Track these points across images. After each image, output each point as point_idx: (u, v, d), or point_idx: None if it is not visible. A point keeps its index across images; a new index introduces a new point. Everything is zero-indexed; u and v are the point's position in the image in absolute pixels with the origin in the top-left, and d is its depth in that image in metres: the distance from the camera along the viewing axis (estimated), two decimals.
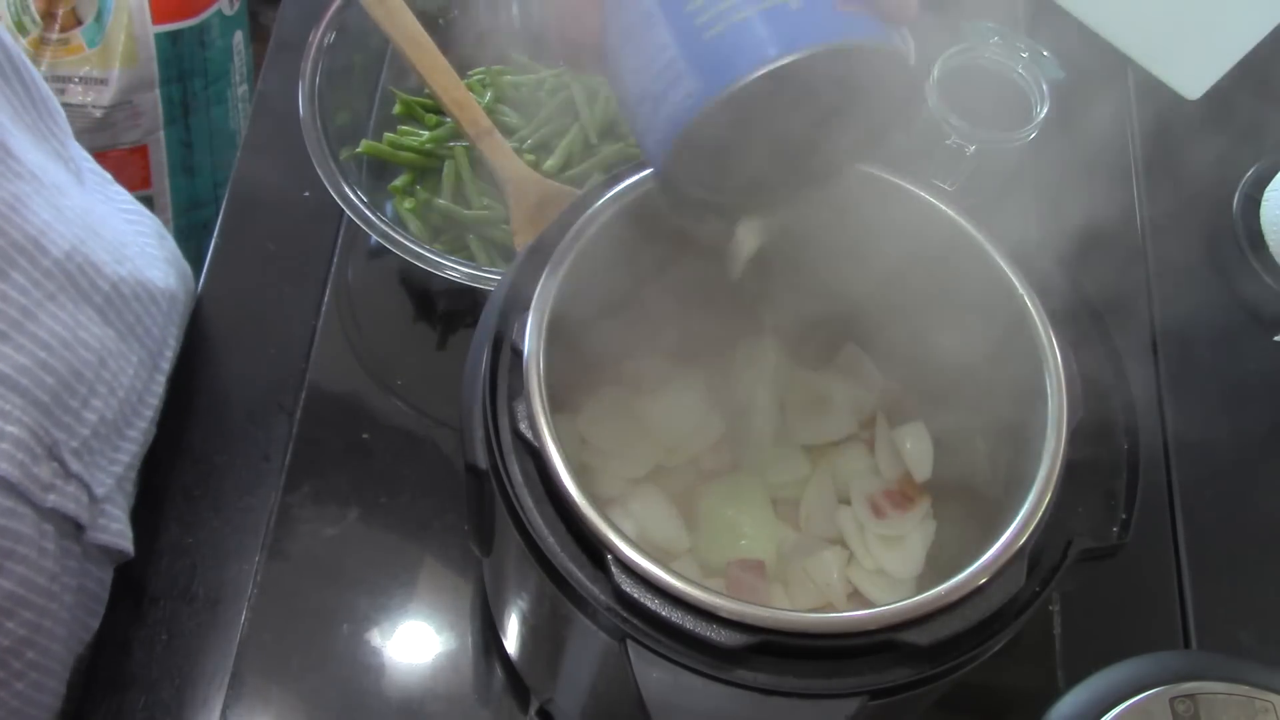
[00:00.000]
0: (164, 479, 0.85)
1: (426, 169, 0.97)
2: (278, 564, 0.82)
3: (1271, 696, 0.67)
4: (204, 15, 1.63)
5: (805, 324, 0.79)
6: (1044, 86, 0.96)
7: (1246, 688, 0.68)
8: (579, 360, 0.76)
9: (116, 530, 0.78)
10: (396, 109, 1.00)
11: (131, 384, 0.78)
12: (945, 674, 0.54)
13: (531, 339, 0.59)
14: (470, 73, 1.01)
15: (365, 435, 0.88)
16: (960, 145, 0.94)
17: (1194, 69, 0.93)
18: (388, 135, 0.97)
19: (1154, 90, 0.98)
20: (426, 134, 0.97)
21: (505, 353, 0.60)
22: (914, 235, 0.68)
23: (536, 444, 0.56)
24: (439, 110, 0.99)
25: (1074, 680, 0.71)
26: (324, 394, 0.89)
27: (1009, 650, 0.57)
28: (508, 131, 0.97)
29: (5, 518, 0.65)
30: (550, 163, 0.95)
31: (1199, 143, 1.09)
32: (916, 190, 0.67)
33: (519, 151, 0.94)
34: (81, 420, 0.72)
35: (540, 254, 0.63)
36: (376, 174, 0.95)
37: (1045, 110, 0.95)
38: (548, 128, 0.97)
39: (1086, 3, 0.94)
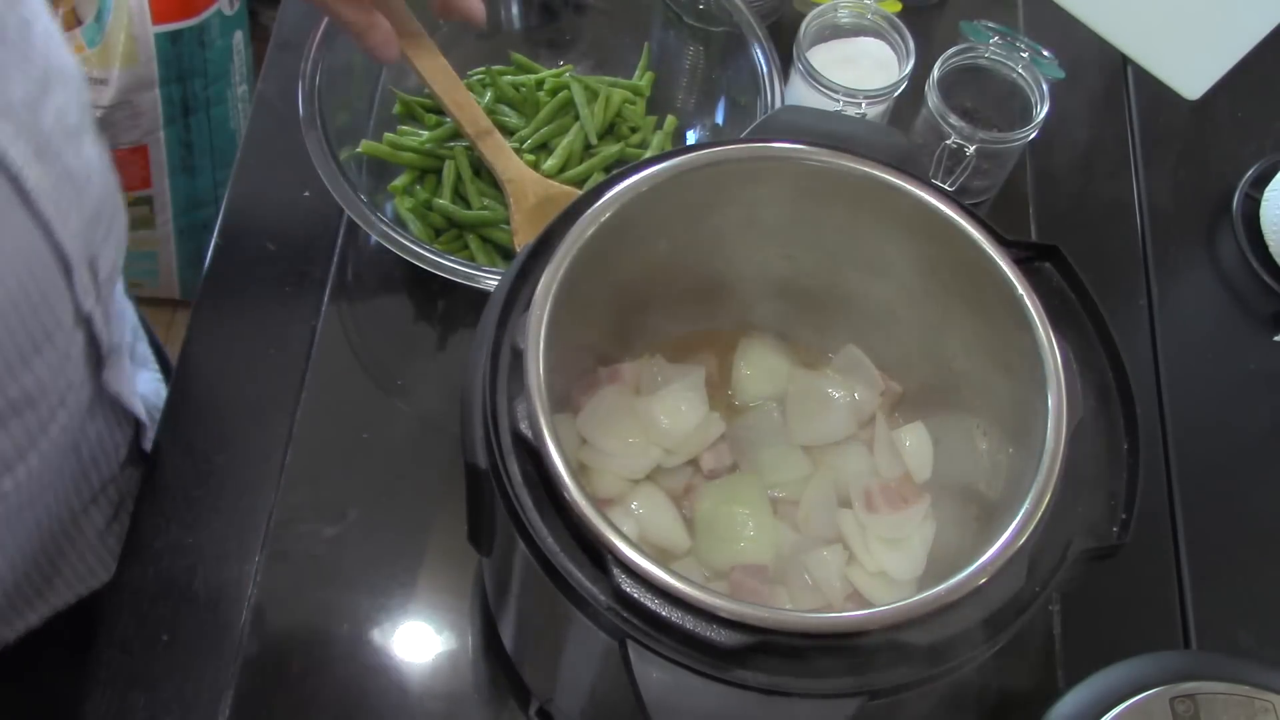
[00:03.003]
0: (164, 479, 0.85)
1: (426, 169, 0.97)
2: (278, 564, 0.82)
3: (1271, 696, 0.67)
4: (204, 15, 1.64)
5: (805, 324, 0.80)
6: (1044, 86, 0.96)
7: (1246, 688, 0.68)
8: (579, 360, 0.76)
9: (127, 390, 0.78)
10: (396, 109, 1.00)
11: (117, 258, 0.77)
12: (945, 674, 0.54)
13: (531, 339, 0.59)
14: (470, 73, 1.01)
15: (365, 435, 0.88)
16: (960, 145, 0.94)
17: (1194, 69, 0.93)
18: (387, 135, 0.97)
19: (1154, 90, 0.98)
20: (426, 134, 0.97)
21: (505, 352, 0.60)
22: (914, 235, 0.68)
23: (536, 444, 0.56)
24: (439, 110, 0.99)
25: (1074, 680, 0.71)
26: (324, 394, 0.89)
27: (1009, 650, 0.57)
28: (507, 132, 0.97)
29: (53, 298, 0.66)
30: (550, 163, 0.95)
31: (1199, 143, 1.09)
32: (916, 190, 0.67)
33: (519, 152, 0.95)
34: (103, 255, 0.72)
35: (540, 254, 0.63)
36: (376, 174, 0.95)
37: (1045, 110, 0.95)
38: (547, 128, 0.97)
39: (1086, 3, 0.94)
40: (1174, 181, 1.06)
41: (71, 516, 0.81)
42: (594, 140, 0.97)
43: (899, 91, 0.95)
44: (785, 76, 0.96)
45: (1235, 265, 1.02)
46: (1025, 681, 0.81)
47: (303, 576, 0.82)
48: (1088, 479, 0.60)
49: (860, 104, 0.93)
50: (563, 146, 0.96)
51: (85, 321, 0.72)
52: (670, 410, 0.74)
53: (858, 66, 0.97)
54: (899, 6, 1.09)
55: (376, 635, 0.80)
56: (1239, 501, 0.92)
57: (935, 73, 0.96)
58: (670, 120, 1.01)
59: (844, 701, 0.52)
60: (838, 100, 0.93)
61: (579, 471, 0.71)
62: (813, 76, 0.93)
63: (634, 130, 1.00)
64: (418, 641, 0.81)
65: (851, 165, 0.67)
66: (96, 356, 0.76)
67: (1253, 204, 1.04)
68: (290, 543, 0.83)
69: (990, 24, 1.01)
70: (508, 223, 0.93)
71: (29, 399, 0.67)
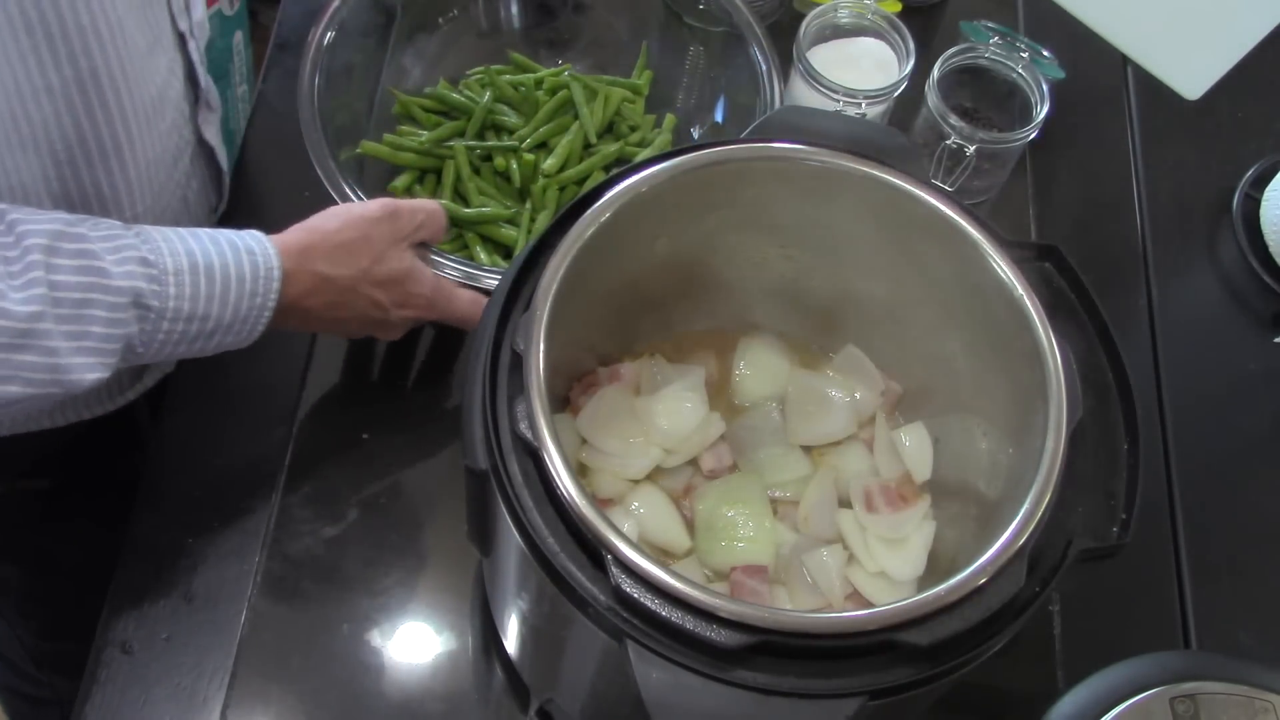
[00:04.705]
0: (164, 479, 0.85)
1: (426, 169, 0.96)
2: (278, 564, 0.82)
3: (1271, 696, 0.67)
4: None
5: (805, 324, 0.80)
6: (1044, 86, 0.96)
7: (1246, 688, 0.68)
8: (579, 360, 0.76)
9: (216, 141, 0.89)
10: (395, 109, 1.00)
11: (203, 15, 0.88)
12: (945, 674, 0.54)
13: (532, 339, 0.59)
14: (469, 73, 1.01)
15: (365, 435, 0.88)
16: (960, 145, 0.94)
17: (1194, 69, 0.93)
18: (387, 136, 0.97)
19: (1154, 90, 0.98)
20: (426, 134, 0.97)
21: (505, 353, 0.60)
22: (914, 235, 0.68)
23: (536, 444, 0.56)
24: (439, 111, 0.99)
25: (1074, 680, 0.71)
26: (324, 394, 0.89)
27: (1009, 650, 0.57)
28: (507, 131, 0.97)
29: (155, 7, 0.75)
30: (549, 162, 0.95)
31: (1199, 143, 1.09)
32: (916, 190, 0.67)
33: (518, 152, 0.95)
34: None
35: (540, 254, 0.63)
36: (376, 174, 0.95)
37: (1045, 110, 0.95)
38: (547, 127, 0.97)
39: (1086, 3, 0.94)
40: (1174, 181, 1.06)
41: None
42: (593, 139, 0.97)
43: (899, 91, 0.95)
44: (785, 76, 0.96)
45: (1235, 265, 1.02)
46: (1025, 681, 0.81)
47: (303, 576, 0.82)
48: (1088, 479, 0.60)
49: (860, 104, 0.93)
50: (562, 145, 0.96)
51: (181, 40, 0.80)
52: (670, 410, 0.74)
53: (858, 66, 0.97)
54: (899, 6, 1.09)
55: (376, 635, 0.80)
56: (1239, 501, 0.92)
57: (935, 73, 0.96)
58: (670, 119, 1.01)
59: (844, 701, 0.52)
60: (838, 100, 0.93)
61: (579, 471, 0.71)
62: (813, 76, 0.93)
63: (633, 129, 1.00)
64: (418, 641, 0.81)
65: (851, 165, 0.67)
66: (195, 95, 0.85)
67: (1253, 204, 1.04)
68: (290, 543, 0.83)
69: (990, 24, 1.01)
70: (509, 221, 0.93)
71: (157, 103, 0.76)
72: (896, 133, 0.74)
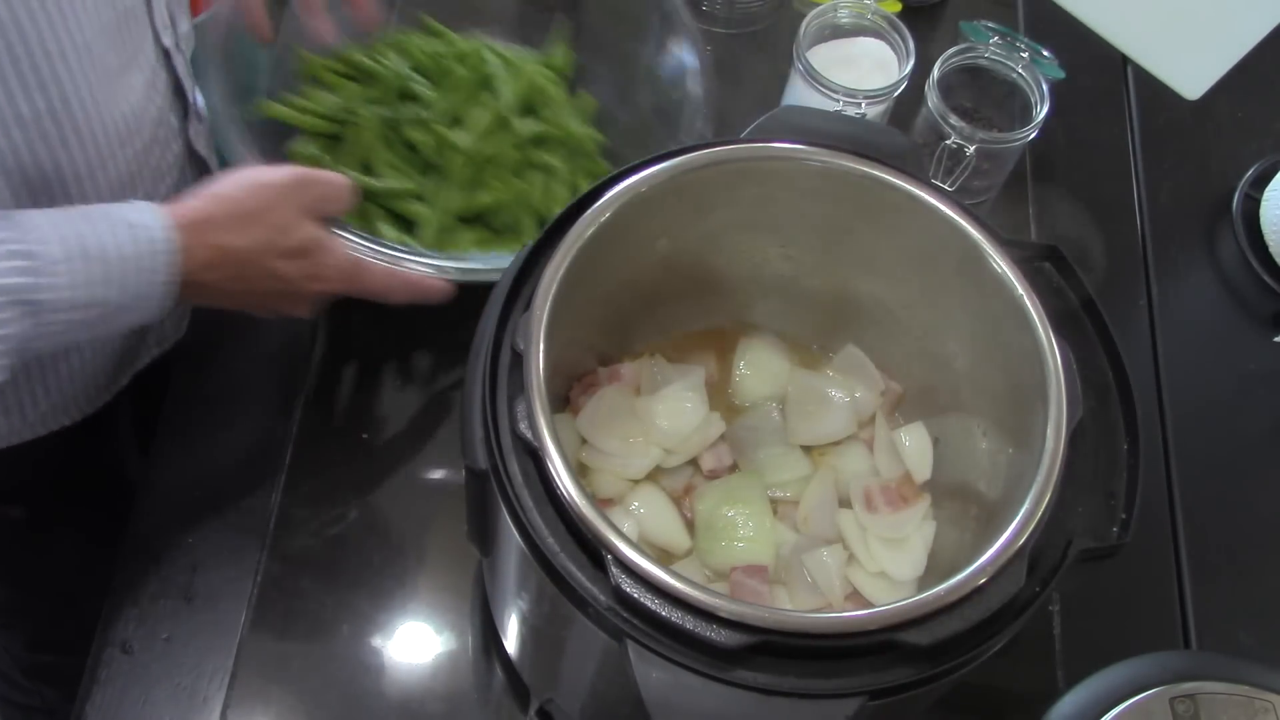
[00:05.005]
0: (164, 479, 0.85)
1: (330, 135, 0.90)
2: (278, 564, 0.82)
3: (1271, 696, 0.67)
4: (204, 17, 1.63)
5: (805, 324, 0.80)
6: (1044, 86, 0.96)
7: (1246, 688, 0.68)
8: (579, 360, 0.76)
9: (207, 151, 0.86)
10: (300, 69, 0.92)
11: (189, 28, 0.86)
12: (945, 674, 0.54)
13: (532, 339, 0.59)
14: (378, 36, 0.93)
15: (365, 435, 0.88)
16: (960, 145, 0.94)
17: (1194, 69, 0.93)
18: (290, 98, 0.90)
19: (1154, 90, 0.98)
20: (334, 98, 0.90)
21: (505, 353, 0.60)
22: (914, 235, 0.68)
23: (536, 444, 0.56)
24: (349, 75, 0.92)
25: (1074, 680, 0.71)
26: (324, 394, 0.89)
27: (1009, 650, 0.57)
28: (418, 100, 0.90)
29: (135, 22, 0.74)
30: (462, 136, 0.88)
31: (1199, 143, 1.09)
32: (916, 190, 0.67)
33: (429, 122, 0.88)
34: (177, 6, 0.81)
35: (540, 254, 0.63)
36: (272, 137, 0.88)
37: (1045, 110, 0.95)
38: (459, 98, 0.90)
39: (1086, 3, 0.94)
40: (1174, 181, 1.06)
41: None
42: (510, 115, 0.91)
43: (899, 91, 0.95)
44: (785, 76, 0.96)
45: (1235, 265, 1.02)
46: (1025, 681, 0.81)
47: (303, 576, 0.82)
48: (1088, 479, 0.60)
49: (860, 104, 0.93)
50: (474, 118, 0.89)
51: (165, 55, 0.78)
52: (670, 410, 0.74)
53: (858, 66, 0.97)
54: (899, 6, 1.09)
55: (376, 635, 0.80)
56: (1239, 501, 0.92)
57: (935, 73, 0.96)
58: (589, 101, 0.96)
59: (844, 701, 0.52)
60: (838, 100, 0.93)
61: (579, 471, 0.71)
62: (813, 76, 0.93)
63: (552, 108, 0.93)
64: (418, 641, 0.81)
65: (851, 165, 0.67)
66: (183, 108, 0.82)
67: (1253, 204, 1.04)
68: (290, 543, 0.83)
69: (990, 24, 1.01)
70: (417, 196, 0.88)
71: (132, 122, 0.74)
72: (896, 133, 0.74)
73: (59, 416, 0.85)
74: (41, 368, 0.80)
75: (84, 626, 0.80)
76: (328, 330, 0.92)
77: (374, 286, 0.78)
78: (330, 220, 0.77)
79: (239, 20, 0.87)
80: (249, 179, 0.73)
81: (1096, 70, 1.11)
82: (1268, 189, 1.03)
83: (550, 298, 0.61)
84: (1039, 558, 0.57)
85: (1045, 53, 1.00)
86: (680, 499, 0.74)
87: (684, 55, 0.93)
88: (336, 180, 0.77)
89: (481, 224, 0.91)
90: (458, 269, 0.81)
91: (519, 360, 0.59)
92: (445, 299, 0.80)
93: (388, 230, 0.86)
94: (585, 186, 0.66)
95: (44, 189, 0.71)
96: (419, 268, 0.80)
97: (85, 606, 0.81)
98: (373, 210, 0.88)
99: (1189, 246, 1.03)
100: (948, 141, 0.95)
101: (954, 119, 0.94)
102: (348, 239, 0.79)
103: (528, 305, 0.61)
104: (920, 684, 0.54)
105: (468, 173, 0.89)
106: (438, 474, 0.87)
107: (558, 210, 0.65)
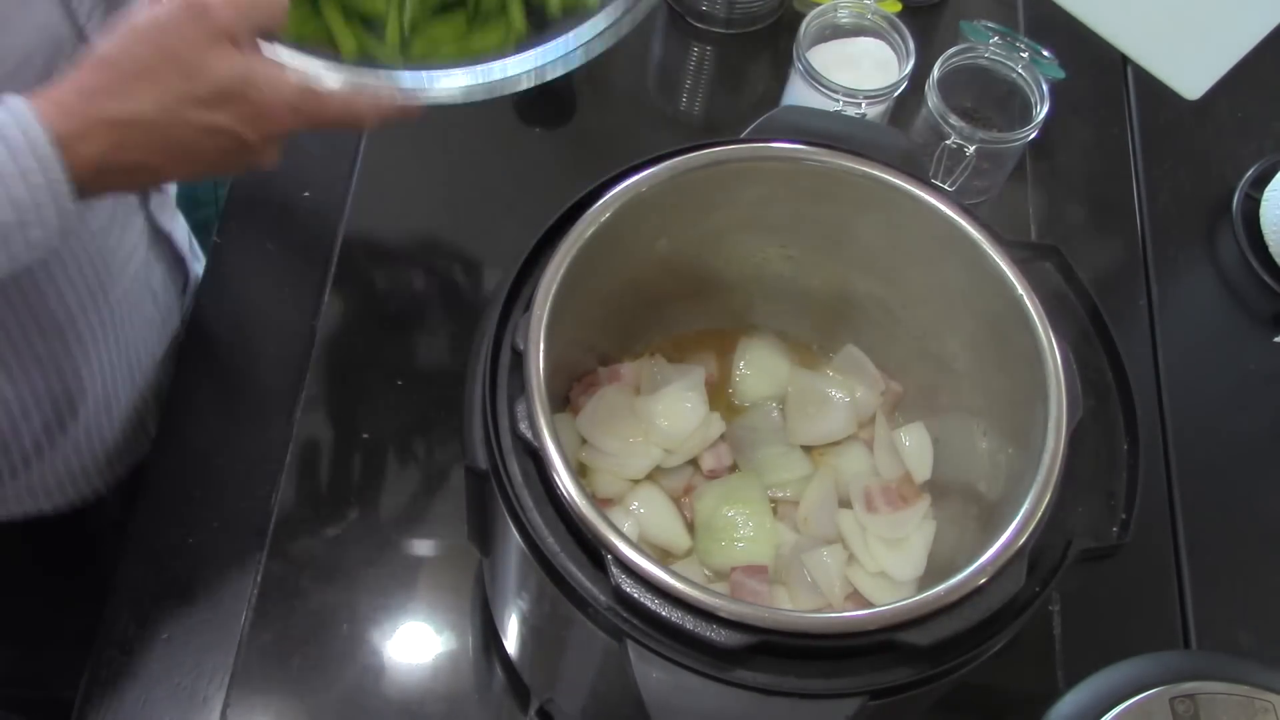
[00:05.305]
0: (164, 479, 0.85)
1: None
2: (278, 564, 0.82)
3: (1271, 696, 0.67)
4: None
5: (805, 324, 0.80)
6: (1044, 86, 0.95)
7: (1246, 688, 0.68)
8: (579, 360, 0.76)
9: (173, 227, 0.84)
10: None
11: None
12: (945, 674, 0.54)
13: (532, 339, 0.59)
14: None
15: (365, 435, 0.88)
16: (960, 145, 0.94)
17: (1194, 69, 0.93)
18: None
19: (1154, 90, 0.98)
20: None
21: (505, 353, 0.60)
22: (914, 235, 0.68)
23: (536, 444, 0.56)
24: None
25: (1074, 680, 0.71)
26: (324, 394, 0.89)
27: (1009, 650, 0.57)
28: None
29: None
30: (383, 39, 0.75)
31: (1199, 143, 1.09)
32: (916, 190, 0.67)
33: (346, 21, 0.74)
34: None
35: (540, 254, 0.63)
36: None
37: (1045, 110, 0.95)
38: None
39: (1086, 3, 0.94)
40: (1174, 181, 1.06)
41: (154, 364, 0.84)
42: (434, 8, 0.77)
43: (899, 91, 0.95)
44: (785, 76, 0.96)
45: (1235, 265, 1.02)
46: (1025, 681, 0.81)
47: (303, 576, 0.82)
48: (1088, 479, 0.60)
49: (860, 104, 0.93)
50: (394, 14, 0.75)
51: None
52: (670, 410, 0.74)
53: (858, 66, 0.97)
54: (899, 6, 1.09)
55: (376, 635, 0.80)
56: (1239, 501, 0.92)
57: (935, 73, 0.96)
58: None
59: (844, 701, 0.52)
60: (838, 100, 0.93)
61: (579, 471, 0.71)
62: (813, 76, 0.93)
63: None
64: (418, 641, 0.81)
65: (851, 165, 0.67)
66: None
67: (1253, 204, 1.04)
68: (290, 543, 0.83)
69: (990, 24, 1.01)
70: None
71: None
72: (896, 133, 0.74)
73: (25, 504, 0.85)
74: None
75: (57, 662, 0.78)
76: (327, 330, 0.92)
77: (333, 115, 0.66)
78: (267, 37, 0.64)
79: None
80: (128, 27, 0.60)
81: (1096, 70, 1.11)
82: (1268, 189, 1.03)
83: (550, 298, 0.60)
84: (1039, 558, 0.57)
85: (1045, 53, 1.00)
86: (680, 499, 0.74)
87: None
88: None
89: (460, 9, 0.78)
90: (432, 83, 0.68)
91: (519, 360, 0.59)
92: (418, 115, 0.70)
93: (345, 41, 0.74)
94: None
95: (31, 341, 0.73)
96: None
97: (56, 644, 0.80)
98: (329, 12, 0.74)
99: (1189, 246, 1.03)
100: (948, 141, 0.95)
101: (954, 119, 0.94)
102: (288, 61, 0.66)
103: (528, 305, 0.61)
104: (920, 684, 0.54)
105: None
106: (438, 474, 0.87)
107: None
